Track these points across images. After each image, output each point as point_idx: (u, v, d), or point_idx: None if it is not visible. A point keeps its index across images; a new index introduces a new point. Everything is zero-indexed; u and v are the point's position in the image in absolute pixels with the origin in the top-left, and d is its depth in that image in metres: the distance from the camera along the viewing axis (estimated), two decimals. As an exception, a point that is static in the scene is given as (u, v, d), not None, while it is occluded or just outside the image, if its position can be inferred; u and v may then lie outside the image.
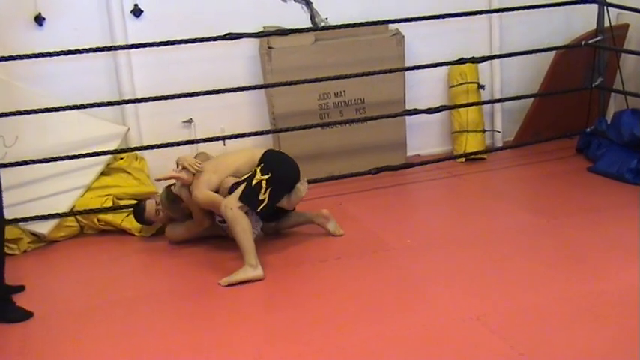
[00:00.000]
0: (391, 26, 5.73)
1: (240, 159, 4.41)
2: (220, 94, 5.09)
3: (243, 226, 4.05)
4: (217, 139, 5.11)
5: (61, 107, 4.79)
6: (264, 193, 4.16)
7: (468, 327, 3.30)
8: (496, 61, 6.11)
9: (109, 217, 4.87)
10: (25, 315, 3.73)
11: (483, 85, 6.06)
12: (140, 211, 4.64)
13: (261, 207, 4.17)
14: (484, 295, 3.61)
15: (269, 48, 5.44)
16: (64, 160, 4.79)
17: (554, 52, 5.90)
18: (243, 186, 4.17)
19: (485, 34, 6.17)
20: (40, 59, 4.66)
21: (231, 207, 4.08)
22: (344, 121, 5.57)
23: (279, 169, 4.31)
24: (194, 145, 5.22)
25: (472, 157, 5.94)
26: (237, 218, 4.05)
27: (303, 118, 5.47)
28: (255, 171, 4.25)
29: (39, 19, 5.05)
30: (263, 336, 3.36)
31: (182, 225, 4.60)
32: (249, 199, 4.13)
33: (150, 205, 4.62)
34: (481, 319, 3.34)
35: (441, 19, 5.51)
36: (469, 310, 3.44)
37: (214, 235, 4.58)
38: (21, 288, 4.03)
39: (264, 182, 4.17)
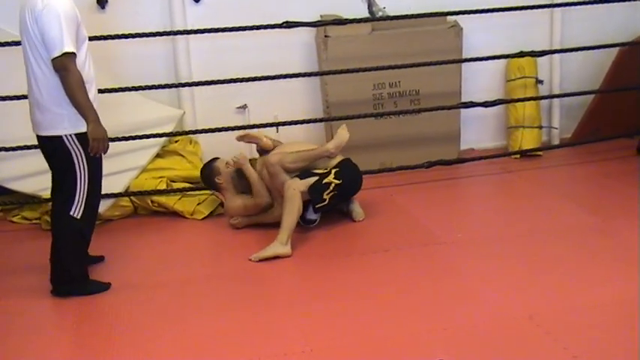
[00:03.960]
0: (449, 18, 5.66)
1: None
2: (275, 81, 5.11)
3: (296, 207, 4.23)
4: (271, 125, 5.13)
5: (120, 88, 4.87)
6: (329, 194, 4.36)
7: (520, 326, 3.25)
8: (556, 55, 5.99)
9: (162, 198, 4.94)
10: (105, 286, 3.83)
11: (542, 80, 5.94)
12: (211, 163, 4.69)
13: (320, 205, 4.37)
14: (536, 294, 3.55)
15: (325, 37, 5.43)
16: (120, 140, 4.86)
17: (617, 48, 5.75)
18: (315, 179, 4.35)
19: (546, 27, 6.04)
20: (102, 41, 4.74)
21: (295, 188, 4.25)
22: (398, 112, 5.53)
23: (350, 182, 4.52)
24: (247, 130, 5.24)
25: (527, 153, 5.84)
26: (295, 198, 4.23)
27: (356, 108, 5.44)
28: (331, 172, 4.42)
29: (102, 2, 5.14)
30: (310, 325, 3.36)
31: (239, 197, 4.63)
32: (316, 192, 4.34)
33: (220, 162, 4.69)
34: (534, 318, 3.29)
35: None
36: (521, 309, 3.39)
37: (267, 222, 4.60)
38: (101, 258, 4.17)
39: (333, 185, 4.37)
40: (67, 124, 3.55)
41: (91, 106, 3.53)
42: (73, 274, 3.78)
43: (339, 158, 4.61)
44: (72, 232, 3.72)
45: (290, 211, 4.20)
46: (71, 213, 3.66)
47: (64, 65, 3.42)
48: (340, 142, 4.59)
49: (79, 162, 3.62)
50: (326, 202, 4.36)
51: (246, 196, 4.64)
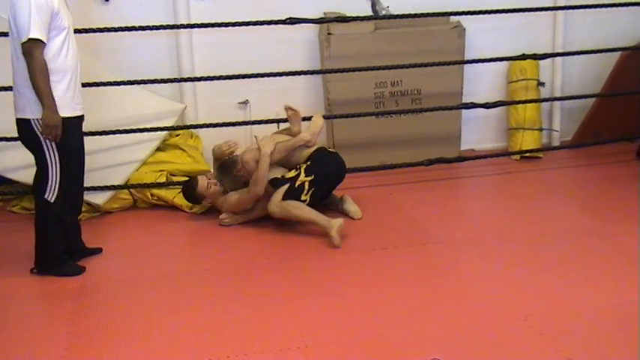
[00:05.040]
0: (452, 18, 5.67)
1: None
2: (277, 78, 5.12)
3: (295, 210, 4.30)
4: (272, 121, 5.14)
5: (123, 82, 4.88)
6: (307, 194, 4.38)
7: (515, 327, 3.26)
8: (558, 58, 6.00)
9: (161, 192, 4.96)
10: (78, 270, 3.92)
11: (543, 83, 5.96)
12: (193, 186, 4.65)
13: None
14: (532, 296, 3.56)
15: (328, 34, 5.44)
16: (121, 133, 4.89)
17: (619, 52, 5.75)
18: (286, 187, 4.35)
19: (549, 30, 6.05)
20: (105, 33, 4.74)
21: (276, 205, 4.33)
22: (399, 111, 5.54)
23: (325, 171, 4.47)
24: (248, 126, 5.26)
25: (527, 154, 5.85)
26: (286, 209, 4.31)
27: (358, 106, 5.46)
28: (300, 171, 4.39)
29: (105, -6, 5.14)
30: (307, 321, 3.37)
31: (235, 193, 4.60)
32: (292, 198, 4.34)
33: (202, 180, 4.64)
34: (528, 319, 3.30)
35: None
36: (516, 310, 3.40)
37: (264, 217, 4.61)
38: (98, 250, 4.22)
39: (307, 184, 4.36)
40: (35, 107, 3.65)
41: (49, 93, 3.61)
42: (48, 254, 3.89)
43: (313, 148, 4.57)
44: (47, 215, 3.84)
45: (297, 215, 4.32)
46: (45, 196, 3.79)
47: (29, 51, 3.55)
48: (315, 130, 4.60)
49: (47, 147, 3.72)
50: (307, 202, 4.37)
51: (239, 190, 4.59)
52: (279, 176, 4.45)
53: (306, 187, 4.36)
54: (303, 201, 4.35)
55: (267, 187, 4.44)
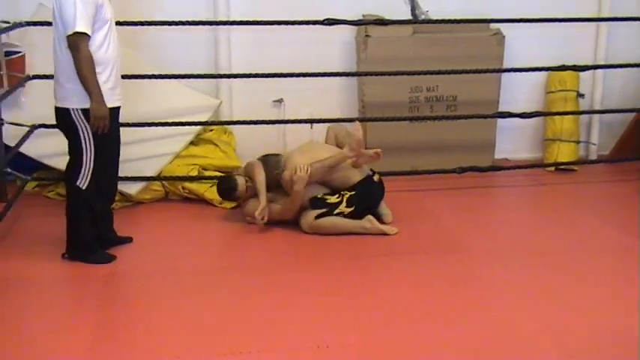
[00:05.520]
0: (492, 25, 5.61)
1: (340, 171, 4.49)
2: (312, 78, 5.12)
3: (333, 225, 4.35)
4: (305, 121, 5.14)
5: (160, 75, 4.93)
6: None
7: (537, 342, 3.19)
8: (599, 70, 5.90)
9: (193, 185, 5.00)
10: (109, 258, 3.97)
11: (583, 94, 5.87)
12: (232, 186, 4.59)
13: None
14: (558, 312, 3.49)
15: (366, 36, 5.43)
16: (157, 126, 4.94)
17: (662, 67, 5.64)
18: (324, 211, 4.35)
19: (591, 41, 5.96)
20: (144, 27, 4.80)
21: (309, 225, 4.36)
22: (433, 117, 5.51)
23: (366, 204, 4.46)
24: (282, 124, 5.27)
25: (563, 167, 5.76)
26: (321, 227, 4.35)
27: (392, 110, 5.43)
28: (342, 200, 4.38)
29: (147, -12, 5.21)
30: (326, 322, 3.35)
31: (276, 204, 4.53)
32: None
33: (242, 183, 4.58)
34: (553, 336, 3.24)
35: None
36: (540, 323, 3.34)
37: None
38: (129, 239, 4.27)
39: (345, 213, 4.39)
40: (75, 98, 3.74)
41: (97, 85, 3.70)
42: (78, 240, 3.95)
43: (359, 175, 4.47)
44: (78, 202, 3.90)
45: (336, 229, 4.36)
46: (77, 183, 3.85)
47: (75, 44, 3.63)
48: (355, 143, 4.42)
49: (84, 136, 3.79)
50: None
51: (270, 197, 4.53)
52: (320, 196, 4.40)
53: (344, 215, 4.39)
54: None
55: (305, 203, 4.41)
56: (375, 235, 4.38)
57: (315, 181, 4.40)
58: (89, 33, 3.64)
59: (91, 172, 3.83)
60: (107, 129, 3.76)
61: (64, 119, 3.81)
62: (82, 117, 3.75)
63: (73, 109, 3.75)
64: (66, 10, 3.61)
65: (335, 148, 4.58)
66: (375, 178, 4.57)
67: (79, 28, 3.59)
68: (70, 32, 3.60)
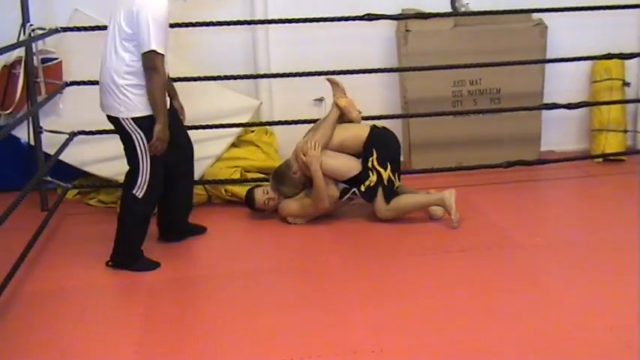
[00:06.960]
0: (534, 15, 5.50)
1: (345, 134, 4.54)
2: (353, 75, 5.04)
3: (404, 207, 4.45)
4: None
5: (200, 77, 4.91)
6: (397, 180, 4.48)
7: (600, 337, 3.11)
8: (646, 58, 5.74)
9: (235, 188, 4.96)
10: (153, 265, 3.94)
11: (629, 83, 5.73)
12: (249, 199, 4.67)
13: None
14: (618, 305, 3.39)
15: (406, 31, 5.35)
16: (197, 129, 4.91)
17: None
18: (381, 189, 4.40)
19: (636, 29, 5.81)
20: (183, 29, 4.78)
21: (385, 212, 4.43)
22: (477, 111, 5.41)
23: (392, 151, 4.53)
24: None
25: (611, 157, 5.63)
26: (395, 210, 4.43)
27: (435, 105, 5.35)
28: (377, 169, 4.40)
29: (184, -10, 5.17)
30: (381, 325, 3.29)
31: (293, 201, 4.55)
32: (391, 196, 4.44)
33: (258, 195, 4.61)
34: (614, 330, 3.14)
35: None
36: (601, 320, 3.25)
37: (336, 215, 4.55)
38: (203, 229, 4.37)
39: (391, 175, 4.41)
40: (123, 108, 3.72)
41: (165, 109, 3.71)
42: (126, 248, 3.93)
43: (365, 131, 4.50)
44: (132, 210, 3.87)
45: (409, 210, 4.48)
46: (133, 191, 3.81)
47: (152, 63, 3.60)
48: (340, 91, 4.60)
49: (139, 143, 3.75)
50: (397, 184, 4.50)
51: (302, 196, 4.54)
52: (363, 189, 4.42)
53: (392, 177, 4.41)
54: (397, 187, 4.46)
55: (333, 189, 4.44)
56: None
57: (333, 150, 4.44)
58: (163, 53, 3.61)
59: (147, 180, 3.79)
60: (164, 153, 3.75)
61: (117, 126, 3.79)
62: (135, 125, 3.71)
63: (123, 119, 3.72)
64: (140, 32, 3.55)
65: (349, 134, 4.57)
66: (379, 126, 4.64)
67: (156, 47, 3.55)
68: (146, 50, 3.56)
